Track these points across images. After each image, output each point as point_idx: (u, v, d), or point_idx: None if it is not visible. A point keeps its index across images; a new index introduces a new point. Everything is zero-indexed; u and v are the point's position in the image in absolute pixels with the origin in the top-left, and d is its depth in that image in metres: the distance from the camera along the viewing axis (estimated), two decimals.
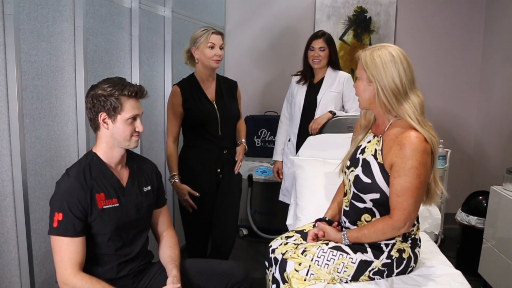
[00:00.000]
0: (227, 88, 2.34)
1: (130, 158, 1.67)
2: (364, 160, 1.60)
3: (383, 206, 1.57)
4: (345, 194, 1.71)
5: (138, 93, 1.53)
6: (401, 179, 1.48)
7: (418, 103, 1.52)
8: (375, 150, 1.58)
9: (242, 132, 2.46)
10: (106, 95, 1.49)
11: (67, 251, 1.44)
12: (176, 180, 2.22)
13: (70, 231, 1.45)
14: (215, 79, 2.31)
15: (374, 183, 1.55)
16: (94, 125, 1.56)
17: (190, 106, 2.22)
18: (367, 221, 1.61)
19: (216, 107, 2.25)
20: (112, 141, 1.55)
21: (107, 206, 1.53)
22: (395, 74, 1.49)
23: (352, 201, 1.63)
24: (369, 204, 1.59)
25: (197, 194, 2.21)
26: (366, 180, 1.56)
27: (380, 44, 1.57)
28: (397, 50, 1.52)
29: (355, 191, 1.61)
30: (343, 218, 1.71)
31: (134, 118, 1.53)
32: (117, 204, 1.55)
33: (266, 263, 1.74)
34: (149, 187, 1.67)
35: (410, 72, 1.52)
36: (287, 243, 1.71)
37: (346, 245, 1.61)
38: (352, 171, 1.63)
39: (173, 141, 2.26)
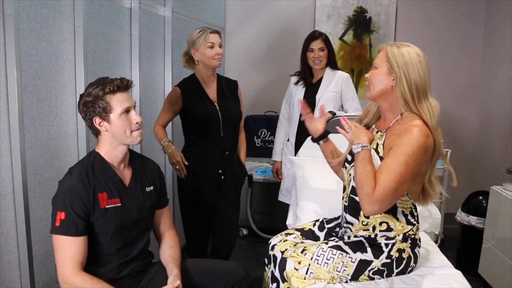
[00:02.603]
0: (229, 88, 2.33)
1: (133, 158, 1.67)
2: None
3: None
4: (344, 189, 1.71)
5: (120, 86, 1.51)
6: (388, 159, 1.47)
7: (435, 106, 1.53)
8: (377, 144, 1.58)
9: (242, 151, 2.42)
10: (92, 100, 1.48)
11: (68, 250, 1.44)
12: (168, 143, 2.20)
13: (72, 230, 1.45)
14: (216, 79, 2.31)
15: None
16: (94, 131, 1.56)
17: (192, 106, 2.22)
18: (365, 216, 1.60)
19: (218, 108, 2.24)
20: (114, 141, 1.55)
21: (109, 206, 1.52)
22: (421, 71, 1.51)
23: (351, 195, 1.63)
24: None
25: (186, 163, 2.19)
26: None
27: (405, 43, 1.58)
28: (421, 52, 1.56)
29: (354, 185, 1.61)
30: (343, 214, 1.71)
31: (127, 111, 1.52)
32: (120, 204, 1.55)
33: (266, 260, 1.75)
34: (151, 187, 1.67)
35: (429, 76, 1.55)
36: (286, 239, 1.71)
37: (345, 243, 1.61)
38: (354, 166, 1.63)
39: (159, 126, 2.25)
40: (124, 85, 1.52)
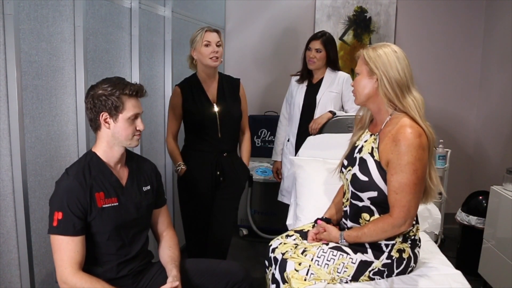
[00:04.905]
0: (230, 88, 2.32)
1: (130, 157, 1.67)
2: (361, 158, 1.60)
3: (380, 205, 1.57)
4: (344, 194, 1.71)
5: (138, 92, 1.55)
6: (398, 175, 1.48)
7: (420, 99, 1.55)
8: (372, 148, 1.58)
9: (245, 151, 2.40)
10: (107, 95, 1.49)
11: (66, 250, 1.44)
12: (183, 167, 2.21)
13: (70, 230, 1.45)
14: (217, 79, 2.30)
15: (371, 181, 1.55)
16: (94, 125, 1.56)
17: (189, 107, 2.21)
18: (366, 220, 1.61)
19: (216, 108, 2.23)
20: (113, 140, 1.55)
21: (106, 205, 1.53)
22: (399, 67, 1.53)
23: (351, 200, 1.64)
24: (367, 203, 1.59)
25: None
26: (363, 178, 1.57)
27: (381, 43, 1.60)
28: (399, 48, 1.57)
29: (353, 190, 1.61)
30: (344, 219, 1.71)
31: (135, 117, 1.54)
32: (117, 203, 1.55)
33: (266, 263, 1.75)
34: (148, 187, 1.67)
35: (410, 70, 1.56)
36: (286, 242, 1.71)
37: (345, 245, 1.61)
38: (350, 170, 1.64)
39: (173, 138, 2.27)
40: (141, 92, 1.56)
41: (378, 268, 1.57)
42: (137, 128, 1.56)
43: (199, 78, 2.26)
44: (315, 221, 1.78)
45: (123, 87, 1.51)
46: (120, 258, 1.58)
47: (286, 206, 2.54)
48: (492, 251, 2.53)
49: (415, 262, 1.64)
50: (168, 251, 1.69)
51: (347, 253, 1.58)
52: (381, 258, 1.57)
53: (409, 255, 1.60)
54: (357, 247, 1.59)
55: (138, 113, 1.55)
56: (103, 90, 1.50)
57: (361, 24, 3.75)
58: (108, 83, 1.51)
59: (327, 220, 1.75)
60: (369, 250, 1.58)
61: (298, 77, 2.78)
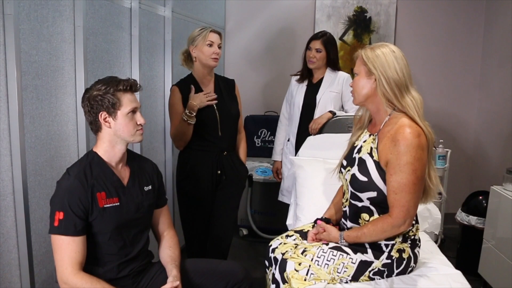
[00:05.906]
0: (226, 87, 2.33)
1: (131, 157, 1.67)
2: (360, 158, 1.60)
3: (380, 205, 1.57)
4: (343, 195, 1.71)
5: (132, 86, 1.55)
6: (397, 175, 1.48)
7: (419, 98, 1.55)
8: (371, 148, 1.58)
9: (242, 150, 2.41)
10: (102, 94, 1.50)
11: (67, 250, 1.44)
12: (186, 110, 2.14)
13: (71, 230, 1.45)
14: (213, 79, 2.30)
15: (370, 181, 1.55)
16: (95, 127, 1.56)
17: None
18: (366, 221, 1.61)
19: (215, 107, 2.24)
20: (115, 139, 1.55)
21: (108, 205, 1.53)
22: (397, 67, 1.52)
23: (351, 200, 1.64)
24: (367, 203, 1.59)
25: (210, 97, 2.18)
26: (363, 178, 1.57)
27: (379, 43, 1.60)
28: (397, 48, 1.57)
29: (352, 190, 1.61)
30: (343, 220, 1.71)
31: (133, 111, 1.55)
32: (118, 203, 1.55)
33: (266, 263, 1.75)
34: (149, 187, 1.67)
35: (408, 69, 1.56)
36: (286, 242, 1.71)
37: (345, 245, 1.61)
38: (349, 170, 1.64)
39: None
40: (135, 86, 1.56)
41: (378, 268, 1.57)
42: (138, 123, 1.56)
43: (196, 78, 2.26)
44: (315, 221, 1.78)
45: (117, 84, 1.51)
46: (121, 258, 1.58)
47: (286, 206, 2.54)
48: (492, 251, 2.53)
49: (415, 262, 1.64)
50: (168, 251, 1.69)
51: (347, 253, 1.58)
52: (381, 258, 1.57)
53: (409, 255, 1.60)
54: (357, 247, 1.59)
55: (136, 107, 1.55)
56: (97, 90, 1.50)
57: (361, 24, 3.75)
58: (101, 83, 1.52)
59: (326, 220, 1.75)
60: (369, 250, 1.58)
61: (298, 77, 2.79)
